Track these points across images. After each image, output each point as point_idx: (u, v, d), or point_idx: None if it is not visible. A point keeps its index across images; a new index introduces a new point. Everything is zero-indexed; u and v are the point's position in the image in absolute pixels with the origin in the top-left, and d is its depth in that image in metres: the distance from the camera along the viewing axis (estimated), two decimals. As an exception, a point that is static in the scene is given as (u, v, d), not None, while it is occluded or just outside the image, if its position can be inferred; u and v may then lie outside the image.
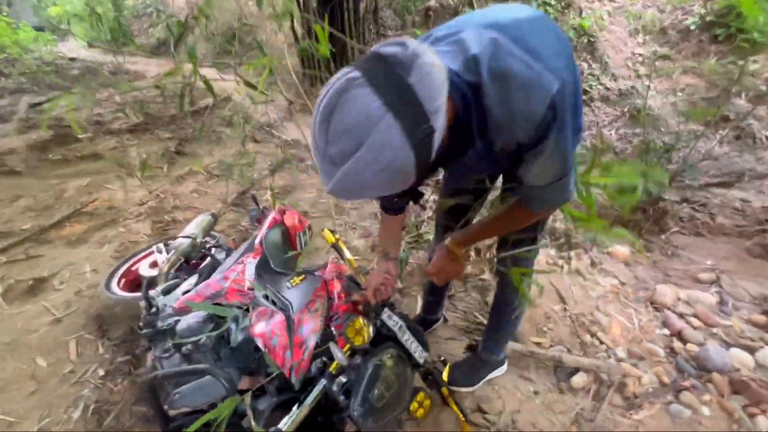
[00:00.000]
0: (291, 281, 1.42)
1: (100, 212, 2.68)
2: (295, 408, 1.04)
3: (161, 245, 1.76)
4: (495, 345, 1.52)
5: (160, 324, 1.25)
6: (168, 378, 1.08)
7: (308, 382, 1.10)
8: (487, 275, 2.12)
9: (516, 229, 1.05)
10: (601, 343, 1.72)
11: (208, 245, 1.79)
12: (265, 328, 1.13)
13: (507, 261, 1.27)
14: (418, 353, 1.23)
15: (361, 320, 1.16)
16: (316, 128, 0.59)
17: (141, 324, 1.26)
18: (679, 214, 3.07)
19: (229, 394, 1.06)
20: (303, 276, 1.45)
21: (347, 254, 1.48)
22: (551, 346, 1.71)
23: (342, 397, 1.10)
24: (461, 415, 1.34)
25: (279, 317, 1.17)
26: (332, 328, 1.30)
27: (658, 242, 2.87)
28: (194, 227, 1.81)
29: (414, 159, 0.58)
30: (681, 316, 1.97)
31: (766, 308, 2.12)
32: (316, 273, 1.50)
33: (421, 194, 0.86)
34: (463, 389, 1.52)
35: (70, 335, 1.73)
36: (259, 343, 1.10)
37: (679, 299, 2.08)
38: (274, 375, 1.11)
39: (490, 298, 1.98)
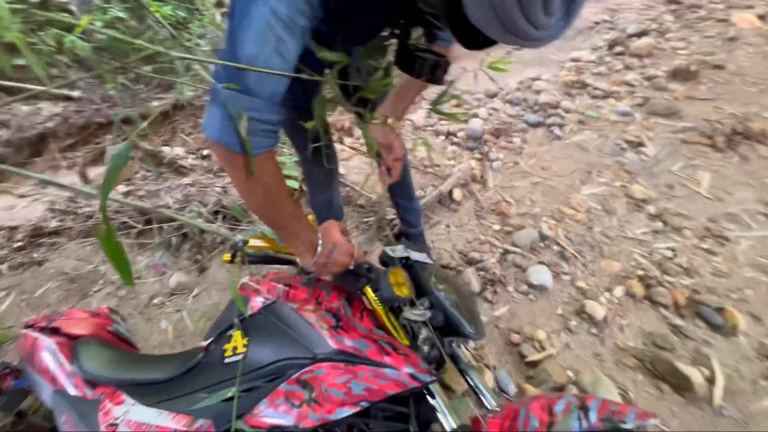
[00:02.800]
0: (225, 351, 0.91)
1: None
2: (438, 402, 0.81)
3: None
4: (418, 215, 1.60)
5: None
6: None
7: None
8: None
9: None
10: (437, 166, 2.14)
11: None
12: (319, 402, 0.73)
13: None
14: (424, 258, 1.15)
15: (391, 271, 0.93)
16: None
17: None
18: None
19: None
20: (238, 329, 0.94)
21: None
22: (423, 196, 1.97)
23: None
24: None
25: (318, 372, 0.76)
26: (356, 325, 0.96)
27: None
28: None
29: None
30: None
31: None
32: (251, 311, 0.99)
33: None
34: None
35: None
36: (342, 417, 0.72)
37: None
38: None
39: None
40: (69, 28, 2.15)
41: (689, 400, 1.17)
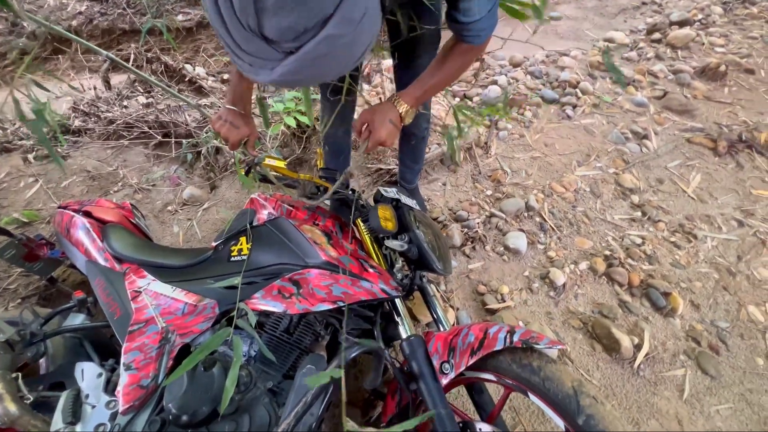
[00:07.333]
0: (232, 251, 1.07)
1: None
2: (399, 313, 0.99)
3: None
4: (416, 174, 1.71)
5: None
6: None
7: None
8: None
9: (464, 72, 1.05)
10: (446, 126, 2.22)
11: (30, 327, 1.00)
12: (305, 296, 0.90)
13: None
14: (413, 204, 1.29)
15: (381, 207, 1.07)
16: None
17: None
18: None
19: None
20: (243, 236, 1.10)
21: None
22: (426, 152, 2.07)
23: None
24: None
25: (307, 275, 0.93)
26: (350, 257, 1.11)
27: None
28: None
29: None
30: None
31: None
32: (254, 223, 1.14)
33: None
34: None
35: None
36: (321, 310, 0.90)
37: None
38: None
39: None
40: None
41: (614, 359, 1.37)
